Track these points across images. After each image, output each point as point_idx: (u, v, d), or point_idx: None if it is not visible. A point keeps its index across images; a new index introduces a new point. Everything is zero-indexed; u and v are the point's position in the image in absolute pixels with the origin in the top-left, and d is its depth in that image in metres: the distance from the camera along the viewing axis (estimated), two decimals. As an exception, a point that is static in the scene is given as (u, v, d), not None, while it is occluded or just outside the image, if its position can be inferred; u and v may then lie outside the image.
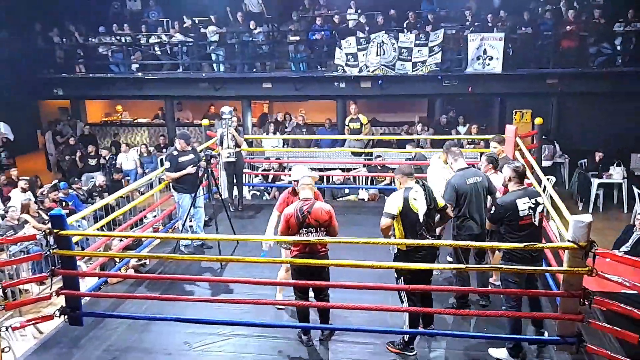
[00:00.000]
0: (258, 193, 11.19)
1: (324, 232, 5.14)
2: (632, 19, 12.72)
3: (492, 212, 5.18)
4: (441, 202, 5.20)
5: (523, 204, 4.95)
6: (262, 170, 11.87)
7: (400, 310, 5.16)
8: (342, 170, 11.70)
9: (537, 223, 5.02)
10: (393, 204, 4.95)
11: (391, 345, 5.21)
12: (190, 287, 6.59)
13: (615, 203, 11.79)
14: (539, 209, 5.04)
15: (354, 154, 12.08)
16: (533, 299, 5.39)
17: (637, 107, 13.09)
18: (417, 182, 5.10)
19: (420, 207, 4.97)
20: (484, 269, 5.88)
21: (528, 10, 13.49)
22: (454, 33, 13.39)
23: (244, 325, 5.46)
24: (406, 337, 5.14)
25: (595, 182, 11.62)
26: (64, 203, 10.37)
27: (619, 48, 12.84)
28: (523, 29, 13.14)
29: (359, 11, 14.24)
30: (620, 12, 13.06)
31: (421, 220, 4.95)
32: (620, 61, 12.88)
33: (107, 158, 13.54)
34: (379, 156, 11.41)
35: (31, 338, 6.49)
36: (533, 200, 5.00)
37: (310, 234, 5.10)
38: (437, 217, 5.24)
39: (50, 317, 5.47)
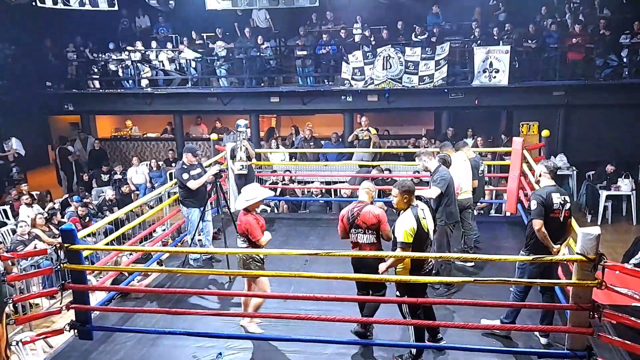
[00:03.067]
0: (268, 209, 11.22)
1: (373, 234, 5.27)
2: (638, 30, 12.73)
3: (534, 208, 5.17)
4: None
5: (556, 198, 5.20)
6: (270, 184, 11.91)
7: (407, 324, 5.16)
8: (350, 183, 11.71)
9: (562, 219, 5.23)
10: (408, 230, 4.80)
11: (400, 359, 5.21)
12: (199, 301, 6.60)
13: (624, 215, 11.74)
14: (567, 206, 5.27)
15: (362, 167, 12.10)
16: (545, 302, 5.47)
17: (644, 118, 13.10)
18: (419, 198, 5.14)
19: (429, 225, 5.05)
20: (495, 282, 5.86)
21: (534, 23, 13.54)
22: (459, 46, 13.47)
23: (252, 339, 5.47)
24: (414, 350, 5.13)
25: (603, 194, 11.57)
26: (87, 218, 10.43)
27: (625, 60, 12.85)
28: (529, 41, 13.20)
29: (365, 25, 14.35)
30: (626, 24, 13.08)
31: (431, 237, 5.05)
32: (627, 73, 12.88)
33: (119, 173, 13.63)
34: (388, 169, 11.42)
35: (41, 352, 6.53)
36: (562, 198, 5.25)
37: (358, 234, 5.28)
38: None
39: (60, 331, 5.50)
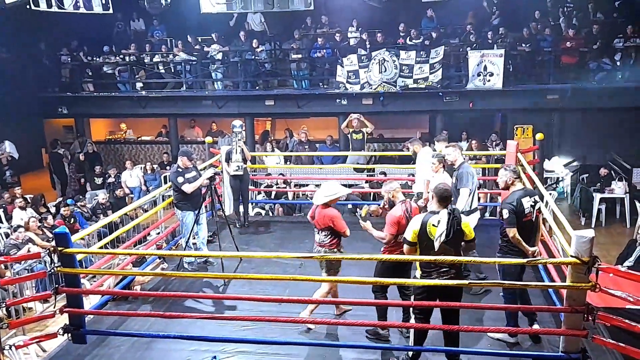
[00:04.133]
0: (262, 212, 11.20)
1: None
2: (631, 34, 12.82)
3: (506, 217, 5.22)
4: (471, 234, 4.96)
5: (526, 203, 5.25)
6: (266, 187, 11.91)
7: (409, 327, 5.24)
8: (345, 186, 11.71)
9: (534, 220, 5.35)
10: (409, 229, 4.97)
11: None
12: (194, 305, 6.58)
13: (617, 218, 11.79)
14: (537, 206, 5.37)
15: (357, 170, 12.12)
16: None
17: (638, 122, 13.16)
18: (447, 208, 4.85)
19: (437, 234, 4.76)
20: (489, 285, 5.88)
21: (527, 27, 13.60)
22: (454, 50, 13.52)
23: (247, 342, 5.45)
24: (410, 353, 5.13)
25: (597, 197, 11.63)
26: (72, 219, 10.41)
27: (618, 63, 12.92)
28: (523, 45, 13.26)
29: (360, 29, 14.38)
30: (619, 28, 13.17)
31: (436, 248, 4.75)
32: (620, 76, 12.96)
33: (113, 176, 13.59)
34: (383, 172, 11.44)
35: (35, 356, 6.48)
36: (532, 199, 5.32)
37: None
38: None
39: (54, 335, 5.47)
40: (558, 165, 13.20)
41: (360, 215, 5.88)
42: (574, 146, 13.58)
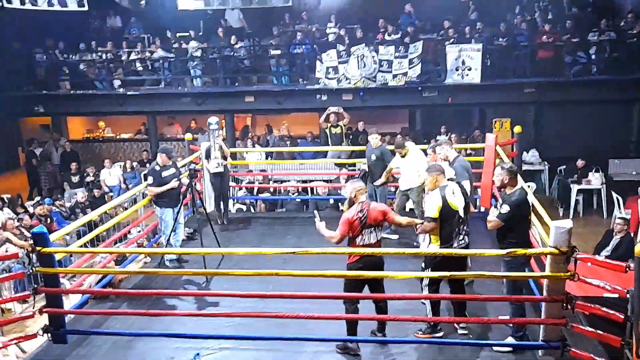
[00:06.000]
0: (244, 207, 11.16)
1: (380, 230, 5.38)
2: (605, 28, 13.00)
3: (504, 212, 5.11)
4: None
5: (529, 200, 5.33)
6: (247, 183, 11.87)
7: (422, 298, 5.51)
8: (326, 181, 11.73)
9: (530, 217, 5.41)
10: (433, 206, 5.20)
11: (420, 332, 5.43)
12: (176, 302, 6.54)
13: (595, 208, 11.96)
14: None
15: (338, 165, 12.11)
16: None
17: (613, 114, 13.39)
18: (450, 179, 5.44)
19: (459, 203, 5.29)
20: (470, 276, 5.94)
21: (504, 22, 13.71)
22: (432, 45, 13.57)
23: (230, 338, 5.44)
24: (432, 322, 5.38)
25: (574, 188, 11.79)
26: (48, 219, 10.27)
27: (593, 57, 13.10)
28: (500, 40, 13.37)
29: (339, 25, 14.38)
30: (593, 22, 13.35)
31: (462, 216, 5.31)
32: (595, 70, 13.14)
33: (92, 175, 13.42)
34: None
35: (14, 358, 6.39)
36: (531, 199, 5.42)
37: (370, 234, 5.26)
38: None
39: (33, 336, 5.42)
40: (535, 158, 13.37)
41: (315, 215, 5.67)
42: (551, 138, 13.74)
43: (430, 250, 5.36)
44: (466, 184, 6.43)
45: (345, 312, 5.33)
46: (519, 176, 5.48)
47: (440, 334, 5.40)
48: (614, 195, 10.96)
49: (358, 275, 5.11)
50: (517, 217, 5.12)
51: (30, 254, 5.17)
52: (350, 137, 13.77)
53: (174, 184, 7.46)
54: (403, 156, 7.77)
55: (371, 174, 8.27)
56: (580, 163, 12.04)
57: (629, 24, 12.86)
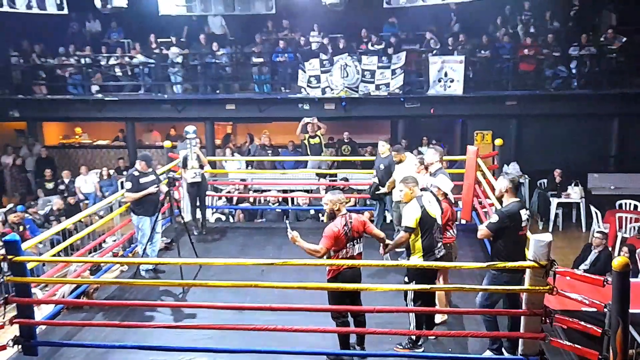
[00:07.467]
0: (223, 217, 11.03)
1: (361, 242, 5.29)
2: (586, 43, 13.18)
3: (495, 222, 5.09)
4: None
5: (523, 215, 5.16)
6: (226, 193, 11.74)
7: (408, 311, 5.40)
8: (307, 191, 11.65)
9: (526, 235, 5.22)
10: (411, 217, 5.18)
11: (399, 346, 5.34)
12: (152, 313, 6.42)
13: (574, 222, 12.07)
14: (528, 220, 5.29)
15: (319, 175, 12.04)
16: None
17: (593, 128, 13.58)
18: (424, 189, 5.48)
19: (436, 212, 5.34)
20: (449, 289, 5.91)
21: (487, 34, 13.83)
22: (415, 56, 13.63)
23: (207, 351, 5.33)
24: (413, 336, 5.29)
25: (554, 201, 11.88)
26: (21, 227, 10.03)
27: (574, 71, 13.26)
28: (482, 52, 13.48)
29: (322, 33, 14.37)
30: (574, 36, 13.52)
31: (439, 222, 5.34)
32: (576, 84, 13.31)
33: (66, 182, 13.17)
34: (345, 178, 11.40)
35: (-18, 370, 6.20)
36: (527, 213, 5.24)
37: (354, 246, 5.18)
38: None
39: (3, 347, 5.26)
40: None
41: (286, 225, 5.38)
42: (532, 152, 13.86)
43: (411, 262, 5.30)
44: (450, 195, 6.43)
45: (336, 325, 5.23)
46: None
47: (421, 350, 5.33)
48: (593, 209, 11.06)
49: (337, 288, 5.04)
50: (508, 229, 5.06)
51: (1, 263, 5.03)
52: (336, 147, 13.77)
53: (152, 189, 7.35)
54: (398, 162, 7.67)
55: (381, 185, 8.04)
56: (557, 172, 12.15)
57: (608, 40, 13.05)
